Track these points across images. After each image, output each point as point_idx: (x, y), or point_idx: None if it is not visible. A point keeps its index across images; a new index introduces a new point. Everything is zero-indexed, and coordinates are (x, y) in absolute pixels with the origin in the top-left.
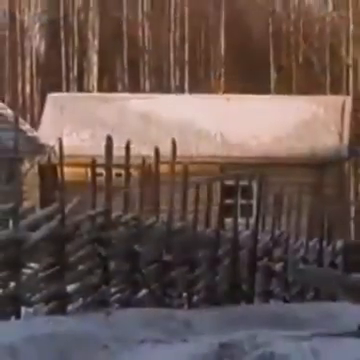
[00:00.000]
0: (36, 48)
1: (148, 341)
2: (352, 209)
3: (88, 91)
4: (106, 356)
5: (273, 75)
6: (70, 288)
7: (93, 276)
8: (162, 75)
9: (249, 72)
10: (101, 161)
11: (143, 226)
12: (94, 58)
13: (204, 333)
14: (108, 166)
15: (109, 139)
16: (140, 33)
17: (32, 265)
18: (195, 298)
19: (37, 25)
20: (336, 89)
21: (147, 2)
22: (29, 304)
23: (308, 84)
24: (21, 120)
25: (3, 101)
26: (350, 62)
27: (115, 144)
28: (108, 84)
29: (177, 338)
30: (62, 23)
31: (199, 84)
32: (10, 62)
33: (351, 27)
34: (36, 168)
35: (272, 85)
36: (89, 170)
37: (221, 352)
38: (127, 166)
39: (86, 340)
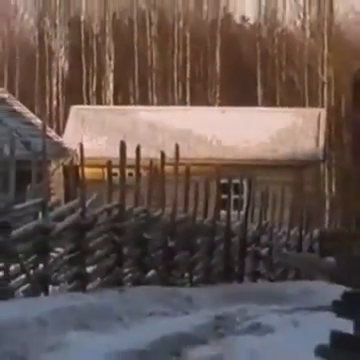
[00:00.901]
0: (61, 68)
1: (155, 314)
2: (327, 203)
3: (105, 104)
4: (120, 326)
5: (260, 91)
6: (89, 269)
7: (109, 259)
8: (167, 90)
9: (240, 88)
10: (116, 163)
11: (151, 217)
12: (110, 76)
13: (203, 307)
14: (122, 167)
15: (122, 144)
16: (149, 55)
17: (58, 250)
18: (195, 278)
19: (62, 48)
20: (313, 102)
21: (154, 29)
22: (55, 283)
23: (289, 98)
24: (48, 128)
25: (33, 112)
26: (325, 80)
27: (127, 148)
28: (122, 98)
29: (180, 311)
30: (83, 46)
31: (198, 98)
32: (39, 79)
33: (325, 51)
34: (61, 168)
35: (259, 99)
36: (105, 170)
37: (217, 323)
38: (138, 167)
39: (103, 313)
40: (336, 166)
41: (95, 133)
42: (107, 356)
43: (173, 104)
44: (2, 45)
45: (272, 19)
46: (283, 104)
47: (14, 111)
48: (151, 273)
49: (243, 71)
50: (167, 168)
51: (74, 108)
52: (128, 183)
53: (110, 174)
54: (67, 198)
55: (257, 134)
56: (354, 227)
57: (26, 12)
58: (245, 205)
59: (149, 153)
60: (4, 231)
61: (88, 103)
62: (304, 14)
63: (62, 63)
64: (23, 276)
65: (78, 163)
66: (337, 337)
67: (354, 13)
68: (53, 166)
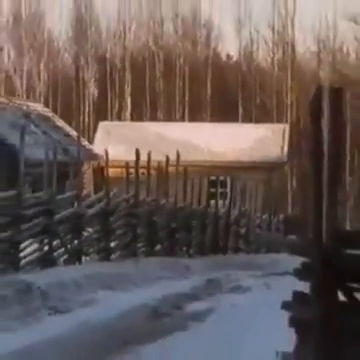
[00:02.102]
0: (92, 94)
1: (162, 278)
2: (289, 195)
3: (124, 120)
4: (135, 287)
5: (240, 110)
6: (112, 244)
7: (127, 237)
8: (171, 110)
9: (226, 109)
10: (132, 165)
11: (159, 205)
12: (128, 100)
13: (197, 273)
14: (136, 168)
15: (137, 151)
16: (157, 84)
17: (88, 230)
18: (191, 251)
19: (92, 79)
20: (280, 119)
21: (161, 64)
22: (87, 254)
23: (262, 116)
24: (82, 139)
25: (71, 127)
26: (289, 103)
27: (140, 154)
28: (136, 116)
29: (180, 276)
30: (108, 78)
31: (194, 116)
32: (75, 102)
33: (289, 81)
34: (91, 169)
35: (240, 117)
36: (124, 170)
37: (208, 285)
38: (148, 168)
39: (123, 278)
40: (296, 167)
41: (117, 142)
42: (125, 309)
43: (175, 120)
44: (48, 77)
45: (249, 57)
46: (257, 121)
47: (56, 126)
48: (158, 247)
49: (228, 96)
50: (171, 169)
51: (101, 124)
52: (141, 180)
53: (128, 173)
54: (95, 191)
55: (238, 143)
56: (309, 213)
57: (66, 52)
58: (229, 196)
59: (157, 157)
60: (49, 215)
61: (111, 120)
62: (273, 53)
63: (92, 90)
64: (63, 249)
65: (104, 165)
66: (298, 295)
67: (310, 53)
68: (85, 167)
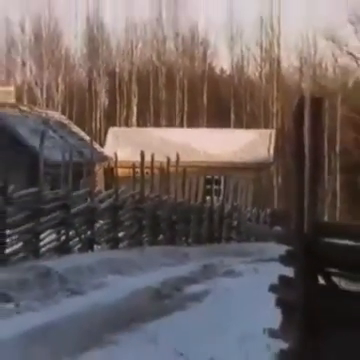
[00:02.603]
0: (103, 103)
1: (164, 264)
2: (275, 192)
3: (131, 126)
4: (141, 272)
5: (233, 118)
6: (121, 235)
7: (133, 228)
8: (172, 117)
9: (220, 116)
10: (138, 165)
11: (161, 200)
12: (134, 108)
13: (195, 260)
14: (141, 168)
15: (142, 153)
16: (160, 94)
17: (100, 222)
18: (190, 240)
19: (103, 90)
20: (267, 126)
21: (164, 77)
22: (98, 243)
23: (252, 123)
24: (94, 142)
25: (85, 132)
26: (275, 111)
27: (145, 156)
28: (142, 123)
29: (180, 263)
30: (117, 89)
31: (192, 122)
32: (88, 110)
33: (275, 92)
34: (102, 169)
35: (232, 123)
36: (131, 170)
37: (204, 270)
38: (152, 168)
39: (130, 264)
40: (281, 167)
41: (124, 145)
42: (132, 291)
43: (176, 126)
44: (65, 88)
45: (240, 71)
46: (247, 127)
47: (72, 131)
48: (161, 237)
49: (221, 105)
50: (171, 169)
51: (111, 129)
52: (146, 178)
53: (134, 172)
54: (106, 188)
55: (230, 146)
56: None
57: (80, 67)
58: (222, 193)
59: (159, 159)
60: (65, 209)
61: (120, 126)
62: (261, 68)
63: (103, 100)
64: (77, 239)
65: (113, 165)
66: (283, 279)
67: (293, 67)
68: (97, 167)
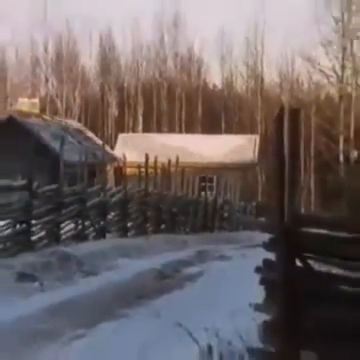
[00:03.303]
0: (113, 113)
1: (166, 250)
2: (259, 188)
3: (137, 132)
4: (146, 256)
5: (223, 125)
6: (129, 225)
7: (139, 219)
8: (172, 125)
9: (212, 124)
10: (143, 165)
11: (163, 195)
12: (140, 118)
13: (192, 246)
14: (146, 168)
15: (146, 155)
16: (161, 105)
17: (111, 213)
18: (187, 229)
19: (114, 102)
20: (253, 132)
21: (165, 91)
22: (109, 232)
23: (240, 130)
24: (106, 146)
25: (98, 137)
26: (259, 120)
27: (149, 157)
28: (147, 129)
29: (179, 249)
30: (125, 101)
31: (189, 129)
32: (101, 119)
33: (259, 103)
34: (112, 168)
35: (223, 130)
36: (137, 170)
37: (199, 254)
38: (155, 168)
39: (137, 249)
40: (264, 167)
41: (131, 148)
42: (138, 272)
43: (175, 132)
44: (81, 100)
45: (230, 86)
46: (236, 133)
47: (87, 137)
48: (163, 227)
49: (214, 114)
50: (172, 169)
51: (120, 135)
52: (150, 177)
53: (140, 172)
54: (116, 185)
55: (222, 149)
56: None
57: (94, 82)
58: (215, 189)
59: (162, 160)
60: (82, 203)
61: (128, 132)
62: (247, 83)
63: (113, 110)
64: (92, 228)
65: (122, 165)
66: (266, 262)
67: (274, 83)
68: (108, 167)
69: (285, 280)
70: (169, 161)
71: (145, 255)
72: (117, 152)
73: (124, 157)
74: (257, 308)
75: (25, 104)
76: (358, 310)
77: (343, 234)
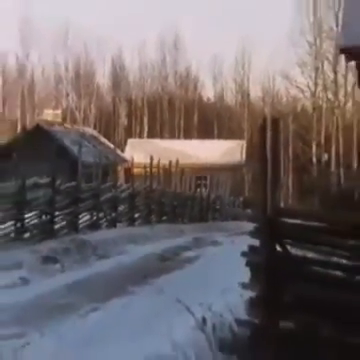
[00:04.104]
0: (123, 122)
1: (167, 237)
2: (246, 185)
3: (143, 138)
4: (150, 242)
5: (216, 132)
6: (136, 216)
7: (145, 211)
8: (173, 132)
9: (207, 131)
10: (148, 166)
11: (165, 191)
12: (146, 127)
13: (189, 234)
14: (150, 168)
15: (151, 158)
16: (164, 115)
17: (121, 206)
18: (185, 220)
19: (123, 113)
20: (240, 138)
21: (166, 103)
22: (120, 222)
23: (230, 136)
24: (117, 149)
25: (110, 142)
26: (246, 128)
27: (153, 159)
28: (151, 135)
29: (178, 236)
30: (133, 112)
31: (187, 135)
32: (112, 127)
33: (246, 115)
34: (122, 169)
35: (215, 136)
36: (143, 170)
37: (195, 241)
38: (158, 168)
39: (142, 236)
40: (250, 168)
41: (138, 152)
42: (144, 255)
43: (175, 138)
44: (96, 111)
45: (221, 99)
46: (227, 138)
47: (101, 142)
48: (165, 218)
49: (208, 123)
50: (173, 169)
51: (129, 140)
52: (154, 176)
53: (145, 171)
54: (125, 182)
55: (215, 153)
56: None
57: (107, 96)
58: (208, 186)
59: (164, 161)
60: (96, 198)
61: (135, 138)
62: (236, 97)
63: (123, 120)
64: (105, 219)
65: (130, 166)
66: (251, 247)
67: (258, 97)
68: (119, 168)
69: (267, 263)
70: (170, 162)
71: (149, 241)
72: (126, 155)
73: (132, 159)
74: (244, 286)
75: (49, 115)
76: (328, 287)
77: (315, 224)
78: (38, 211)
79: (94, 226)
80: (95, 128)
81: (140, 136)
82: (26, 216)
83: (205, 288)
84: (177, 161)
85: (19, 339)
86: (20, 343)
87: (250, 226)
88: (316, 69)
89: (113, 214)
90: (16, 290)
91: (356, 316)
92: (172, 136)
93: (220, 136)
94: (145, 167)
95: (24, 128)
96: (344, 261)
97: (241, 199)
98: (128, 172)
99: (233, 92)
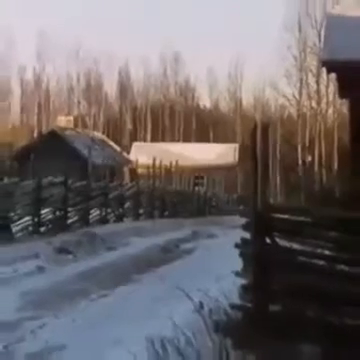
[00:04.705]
0: (128, 127)
1: (168, 230)
2: (239, 184)
3: (146, 142)
4: (153, 235)
5: (212, 136)
6: (140, 211)
7: (148, 208)
8: (173, 136)
9: (204, 136)
10: (151, 167)
11: (166, 189)
12: (149, 132)
13: (187, 227)
14: (153, 169)
15: (154, 159)
16: (165, 122)
17: (127, 203)
18: (185, 215)
19: (129, 119)
20: (233, 142)
21: (168, 110)
22: (127, 217)
23: (224, 140)
24: (123, 152)
25: (118, 145)
26: (238, 132)
27: (156, 161)
28: (154, 139)
29: (178, 229)
30: (137, 119)
31: (186, 139)
32: (119, 131)
33: (238, 121)
34: (128, 169)
35: (211, 140)
36: (147, 170)
37: (193, 234)
38: (160, 168)
39: (146, 229)
40: (243, 168)
41: (142, 154)
42: (147, 247)
43: (175, 142)
44: (104, 118)
45: (216, 107)
46: (222, 142)
47: (109, 145)
48: (166, 213)
49: (205, 129)
50: (173, 169)
51: (134, 144)
52: (156, 175)
53: (148, 172)
54: (131, 181)
55: (211, 155)
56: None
57: (114, 104)
58: (205, 185)
59: (165, 163)
60: (105, 195)
61: (140, 142)
62: (229, 105)
63: (129, 125)
64: (113, 214)
65: (135, 167)
66: (244, 239)
67: (250, 105)
68: (125, 168)
69: (258, 253)
70: (171, 163)
71: (153, 234)
72: (131, 157)
73: (137, 160)
74: (237, 274)
75: (63, 121)
76: (312, 275)
77: (301, 218)
78: (53, 207)
79: (103, 221)
80: (103, 133)
81: (144, 140)
82: (42, 212)
83: (202, 276)
84: (177, 162)
85: (37, 321)
86: (37, 324)
87: (242, 220)
88: (301, 80)
89: (120, 210)
90: (34, 277)
91: (337, 299)
92: (173, 140)
93: (215, 140)
94: (148, 168)
95: (40, 133)
96: (327, 252)
97: (234, 196)
98: (133, 172)
99: (227, 101)
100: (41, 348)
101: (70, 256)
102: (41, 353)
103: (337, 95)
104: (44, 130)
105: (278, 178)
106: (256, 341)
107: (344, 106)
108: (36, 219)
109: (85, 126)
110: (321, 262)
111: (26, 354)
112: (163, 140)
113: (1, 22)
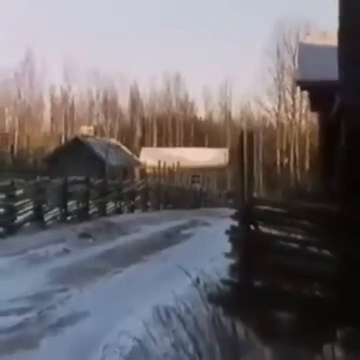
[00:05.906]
0: (138, 135)
1: (170, 219)
2: (229, 181)
3: (153, 147)
4: (158, 223)
5: (206, 142)
6: (148, 204)
7: (155, 201)
8: (174, 142)
9: (200, 142)
10: (157, 168)
11: (170, 186)
12: (155, 139)
13: (186, 217)
14: (159, 169)
15: (159, 161)
16: (168, 130)
17: (138, 197)
18: (184, 207)
19: (138, 128)
20: (224, 146)
21: (170, 121)
22: (137, 209)
23: (216, 145)
24: (134, 155)
25: (129, 149)
26: (228, 139)
27: (161, 163)
28: (159, 145)
29: (179, 219)
30: (145, 127)
31: (186, 145)
32: (131, 139)
33: (228, 130)
34: (138, 169)
35: (206, 145)
36: (153, 170)
37: (191, 222)
38: (164, 169)
39: (153, 219)
40: (232, 169)
41: (150, 157)
42: (153, 233)
43: (177, 147)
44: (118, 127)
45: (210, 119)
46: (214, 147)
47: (122, 149)
48: (169, 205)
49: (201, 136)
50: (175, 170)
51: (143, 149)
52: (161, 175)
53: (155, 172)
54: (141, 179)
55: (206, 157)
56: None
57: (127, 114)
58: (201, 182)
59: (169, 164)
60: (119, 190)
61: (147, 147)
62: (220, 117)
63: (138, 133)
64: (126, 206)
65: (144, 167)
66: (233, 227)
67: (238, 117)
68: (135, 169)
69: (244, 238)
70: (173, 165)
71: (158, 223)
72: (141, 159)
73: (145, 162)
74: (227, 255)
75: (84, 130)
76: (288, 256)
77: (278, 210)
78: (77, 200)
79: (118, 211)
80: (118, 139)
81: (151, 145)
82: (68, 204)
83: (198, 257)
84: (178, 164)
85: (64, 293)
86: (65, 296)
87: (231, 212)
88: (279, 96)
89: (132, 203)
90: (61, 258)
91: (309, 276)
92: (174, 145)
93: (210, 145)
94: (155, 168)
95: (66, 139)
96: (299, 237)
97: (225, 192)
98: (142, 172)
99: (219, 113)
100: (69, 314)
101: (90, 240)
102: (69, 318)
103: (309, 109)
104: (69, 137)
105: (261, 177)
106: (242, 310)
107: (314, 118)
108: (63, 210)
109: (103, 134)
110: (295, 245)
111: (57, 318)
112: (167, 145)
113: (36, 50)
